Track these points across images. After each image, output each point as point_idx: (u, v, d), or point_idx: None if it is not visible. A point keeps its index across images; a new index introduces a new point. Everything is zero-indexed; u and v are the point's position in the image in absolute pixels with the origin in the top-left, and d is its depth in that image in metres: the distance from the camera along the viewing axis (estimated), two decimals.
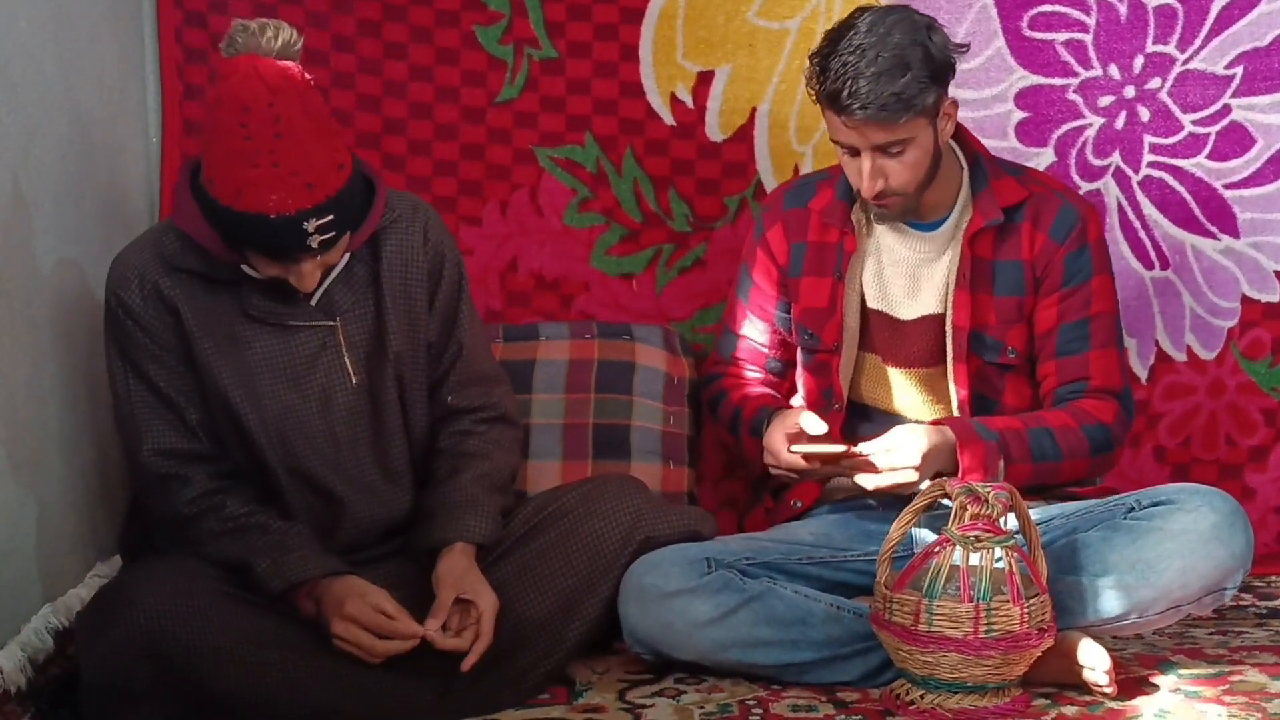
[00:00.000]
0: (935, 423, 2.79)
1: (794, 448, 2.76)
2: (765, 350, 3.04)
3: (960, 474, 2.72)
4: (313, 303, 2.62)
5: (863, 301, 2.90)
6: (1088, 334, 2.85)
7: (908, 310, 2.88)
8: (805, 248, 2.94)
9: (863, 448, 2.73)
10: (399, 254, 2.68)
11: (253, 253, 2.51)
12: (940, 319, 2.86)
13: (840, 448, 2.75)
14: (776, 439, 2.81)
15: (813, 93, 2.75)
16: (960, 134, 2.88)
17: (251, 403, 2.60)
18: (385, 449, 2.69)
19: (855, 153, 2.74)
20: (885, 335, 2.90)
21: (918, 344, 2.88)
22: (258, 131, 2.40)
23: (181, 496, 2.59)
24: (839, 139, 2.75)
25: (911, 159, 2.74)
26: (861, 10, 2.76)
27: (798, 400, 3.02)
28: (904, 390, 2.91)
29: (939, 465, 2.74)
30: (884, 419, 2.89)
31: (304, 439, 2.63)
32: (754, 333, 3.04)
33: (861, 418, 2.93)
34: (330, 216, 2.45)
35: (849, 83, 2.66)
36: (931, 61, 2.70)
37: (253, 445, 2.61)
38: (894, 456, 2.71)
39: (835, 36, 2.73)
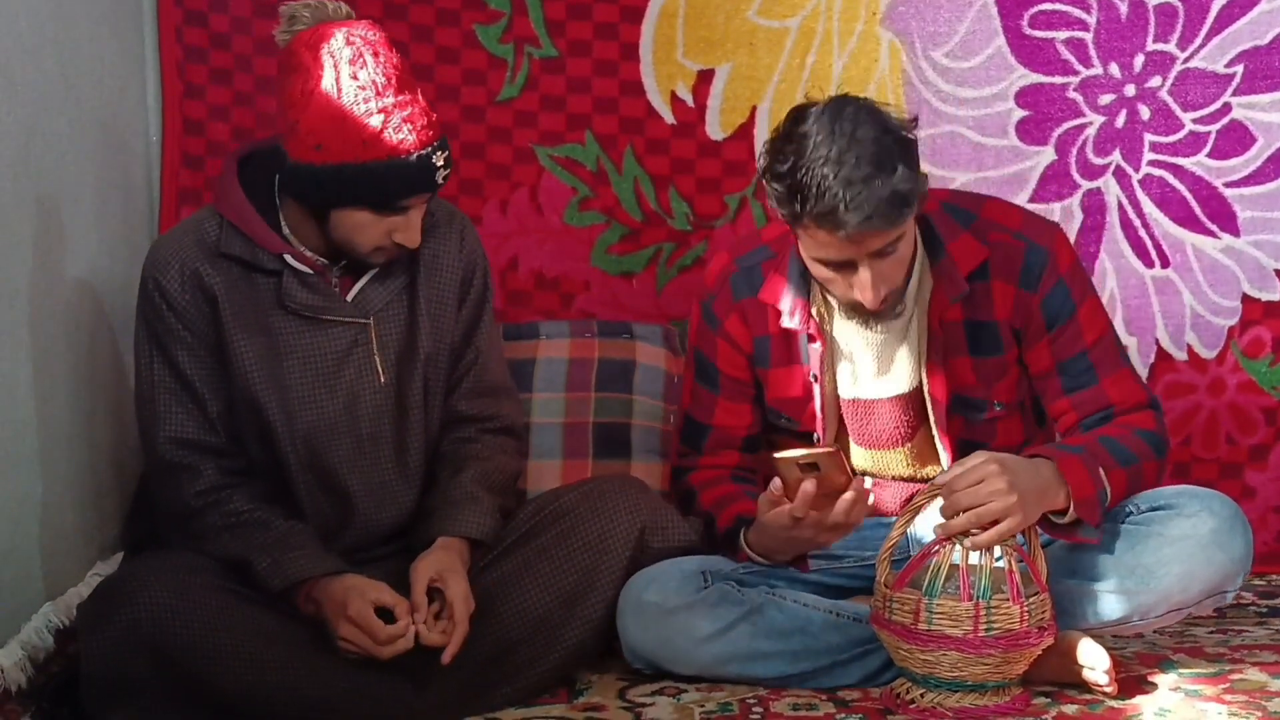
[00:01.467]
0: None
1: (776, 455, 2.53)
2: (742, 432, 2.83)
3: (1071, 495, 2.52)
4: (348, 298, 2.64)
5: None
6: (1091, 365, 2.68)
7: (879, 390, 2.74)
8: (769, 340, 2.75)
9: (939, 479, 2.51)
10: (435, 258, 2.72)
11: (371, 208, 2.53)
12: (915, 394, 2.73)
13: (828, 448, 2.55)
14: (767, 511, 2.58)
15: (786, 213, 2.50)
16: None
17: (277, 395, 2.62)
18: (404, 449, 2.70)
19: (845, 265, 2.54)
20: (860, 423, 2.77)
21: (894, 424, 2.75)
22: (370, 82, 2.49)
23: (190, 488, 2.60)
24: (828, 257, 2.53)
25: (904, 253, 2.57)
26: (803, 111, 2.52)
27: None
28: (887, 462, 2.82)
29: (1037, 498, 2.49)
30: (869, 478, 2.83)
31: (327, 435, 2.64)
32: (731, 419, 2.82)
33: None
34: (448, 150, 2.56)
35: (841, 196, 2.43)
36: (908, 147, 2.50)
37: (273, 439, 2.63)
38: (985, 487, 2.46)
39: (791, 150, 2.48)
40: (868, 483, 2.66)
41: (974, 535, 2.48)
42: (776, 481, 2.56)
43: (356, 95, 2.49)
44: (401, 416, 2.69)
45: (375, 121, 2.49)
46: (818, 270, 2.59)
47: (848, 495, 2.53)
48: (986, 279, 2.66)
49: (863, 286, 2.55)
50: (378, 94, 2.49)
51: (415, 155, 2.51)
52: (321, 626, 2.52)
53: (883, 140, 2.47)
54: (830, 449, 2.57)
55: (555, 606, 2.63)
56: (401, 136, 2.50)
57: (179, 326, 2.60)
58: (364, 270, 2.66)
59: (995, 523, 2.47)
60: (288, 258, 2.61)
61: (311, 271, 2.62)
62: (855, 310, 2.64)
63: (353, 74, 2.49)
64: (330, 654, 2.51)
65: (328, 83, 2.49)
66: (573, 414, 3.19)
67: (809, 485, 2.51)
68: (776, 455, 2.55)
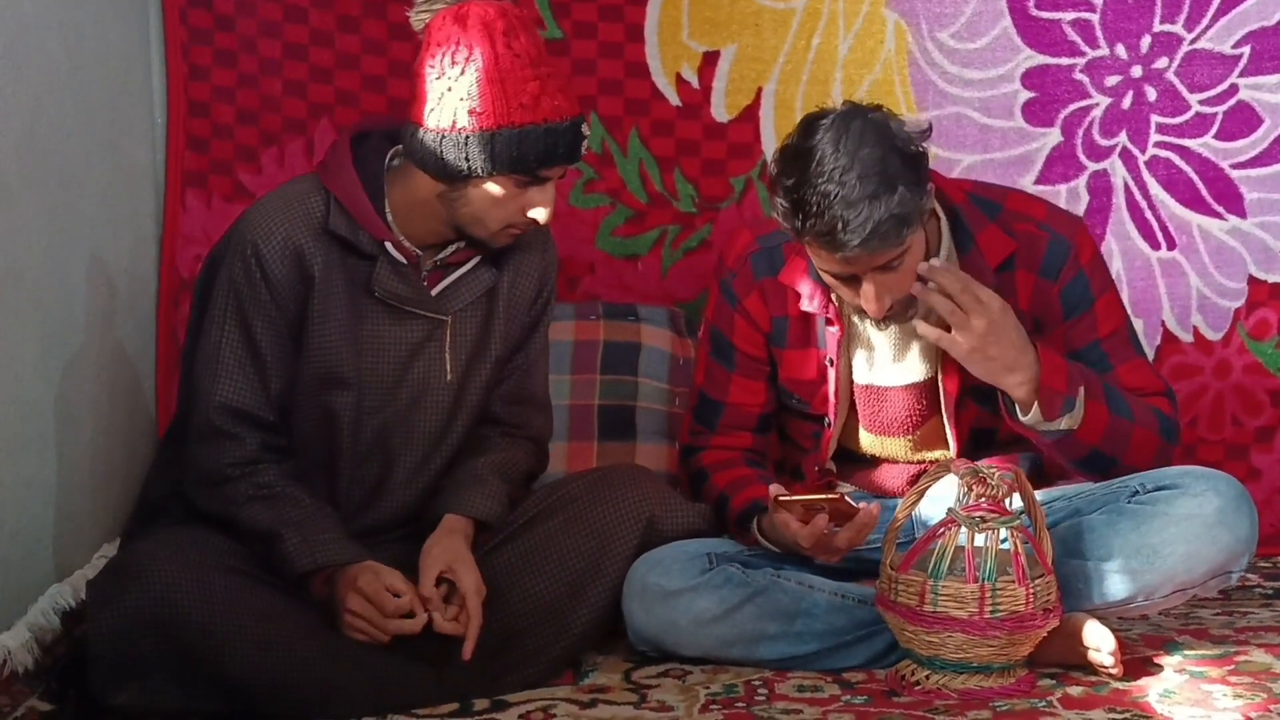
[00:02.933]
0: None
1: (780, 497, 2.58)
2: (757, 410, 2.85)
3: (1039, 365, 2.57)
4: (434, 293, 2.64)
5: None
6: (1105, 354, 2.70)
7: (894, 378, 2.76)
8: (788, 321, 2.78)
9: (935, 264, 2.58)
10: (518, 266, 2.73)
11: (521, 173, 2.53)
12: (929, 384, 2.74)
13: (830, 494, 2.62)
14: (783, 525, 2.61)
15: (789, 227, 2.54)
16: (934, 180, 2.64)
17: (351, 378, 2.62)
18: (449, 443, 2.71)
19: (850, 279, 2.57)
20: (872, 409, 2.78)
21: (905, 412, 2.77)
22: (525, 50, 2.52)
23: (229, 456, 2.60)
24: (832, 270, 2.57)
25: (912, 263, 2.58)
26: (813, 124, 2.53)
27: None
28: (892, 447, 2.83)
29: (1000, 356, 2.57)
30: (874, 460, 2.84)
31: (387, 423, 2.66)
32: (745, 396, 2.84)
33: (852, 460, 2.86)
34: (587, 124, 2.59)
35: (840, 217, 2.45)
36: (913, 164, 2.51)
37: (335, 420, 2.63)
38: (970, 317, 2.54)
39: (799, 164, 2.50)
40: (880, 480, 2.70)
41: (919, 326, 2.59)
42: (776, 486, 2.61)
43: (514, 62, 2.50)
44: (455, 413, 2.71)
45: (533, 87, 2.51)
46: (825, 278, 2.62)
47: (856, 521, 2.59)
48: (1011, 269, 2.69)
49: (867, 299, 2.58)
50: (532, 63, 2.52)
51: (569, 121, 2.54)
52: (332, 608, 2.52)
53: (887, 159, 2.48)
54: (835, 496, 2.62)
55: (563, 594, 2.63)
56: (557, 103, 2.52)
57: (267, 298, 2.59)
58: (453, 268, 2.66)
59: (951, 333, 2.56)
60: (388, 245, 2.61)
61: (405, 261, 2.62)
62: (862, 313, 2.67)
63: (507, 43, 2.51)
64: (339, 636, 2.51)
65: (483, 50, 2.50)
66: (578, 396, 3.19)
67: (820, 521, 2.58)
68: (781, 499, 2.60)
